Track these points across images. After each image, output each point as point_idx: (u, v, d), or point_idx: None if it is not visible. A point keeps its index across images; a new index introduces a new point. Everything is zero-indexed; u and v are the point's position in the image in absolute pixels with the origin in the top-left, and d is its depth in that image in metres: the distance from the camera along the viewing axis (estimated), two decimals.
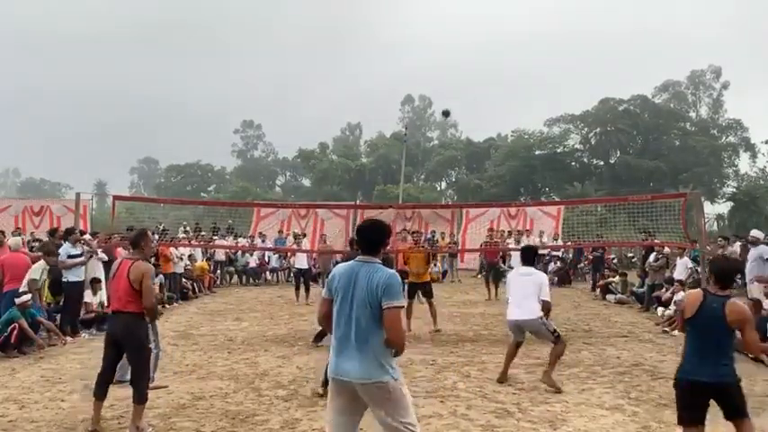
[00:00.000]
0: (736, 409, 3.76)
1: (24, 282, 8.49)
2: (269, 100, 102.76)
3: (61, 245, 9.84)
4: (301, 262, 14.07)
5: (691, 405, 3.79)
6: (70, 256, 9.43)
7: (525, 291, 6.32)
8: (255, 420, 5.27)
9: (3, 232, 9.89)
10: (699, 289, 4.07)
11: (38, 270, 8.72)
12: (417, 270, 9.90)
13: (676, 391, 3.89)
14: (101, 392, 5.02)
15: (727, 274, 3.89)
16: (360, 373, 3.20)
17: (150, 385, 6.05)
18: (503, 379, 6.53)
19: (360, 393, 3.25)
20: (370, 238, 3.39)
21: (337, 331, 3.31)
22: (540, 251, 18.15)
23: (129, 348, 4.95)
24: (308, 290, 13.62)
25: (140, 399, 4.85)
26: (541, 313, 6.27)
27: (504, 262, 15.18)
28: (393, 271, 3.34)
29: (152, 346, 6.24)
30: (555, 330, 6.36)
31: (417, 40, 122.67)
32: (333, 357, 3.34)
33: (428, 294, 9.98)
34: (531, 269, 6.57)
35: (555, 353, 6.33)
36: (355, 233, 3.60)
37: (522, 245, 7.27)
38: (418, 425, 3.38)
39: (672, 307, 10.36)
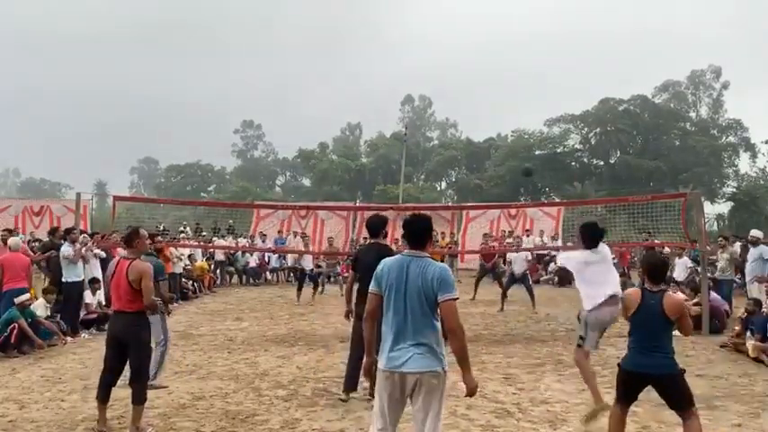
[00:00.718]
0: (678, 400, 4.07)
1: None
2: (269, 100, 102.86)
3: (62, 244, 9.85)
4: (307, 263, 13.90)
5: (627, 390, 4.22)
6: None
7: (612, 273, 5.40)
8: (255, 420, 5.27)
9: (10, 230, 9.87)
10: (637, 288, 4.39)
11: (41, 307, 8.71)
12: None
13: (617, 376, 4.26)
14: (104, 395, 5.02)
15: (656, 270, 4.23)
16: (418, 365, 3.26)
17: (151, 383, 6.11)
18: (602, 408, 5.01)
19: (414, 384, 3.28)
20: (418, 232, 3.45)
21: (392, 324, 3.35)
22: (540, 251, 18.20)
23: (131, 348, 4.93)
24: (315, 290, 13.47)
25: (139, 399, 4.85)
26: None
27: (504, 262, 15.16)
28: (445, 265, 3.45)
29: (161, 343, 6.31)
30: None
31: (417, 40, 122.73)
32: (387, 351, 3.35)
33: None
34: (600, 248, 5.45)
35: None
36: (402, 227, 3.58)
37: (585, 222, 5.85)
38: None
39: None
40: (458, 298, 3.31)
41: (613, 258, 15.47)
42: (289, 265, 19.33)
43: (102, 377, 5.06)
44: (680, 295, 4.32)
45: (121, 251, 11.12)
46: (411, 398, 3.35)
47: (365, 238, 19.20)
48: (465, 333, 3.32)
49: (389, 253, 5.09)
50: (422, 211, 3.85)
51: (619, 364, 4.27)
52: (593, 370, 5.48)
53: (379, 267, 3.47)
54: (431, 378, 3.27)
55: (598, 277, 5.31)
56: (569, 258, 5.75)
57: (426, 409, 3.29)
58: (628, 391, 4.23)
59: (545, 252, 19.43)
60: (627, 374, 4.17)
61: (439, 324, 3.33)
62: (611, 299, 5.12)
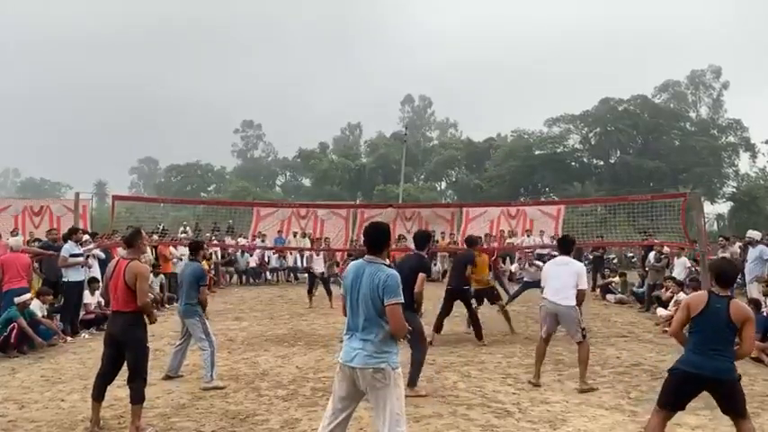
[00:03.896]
0: (733, 406, 3.99)
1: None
2: (269, 100, 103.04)
3: (58, 245, 9.84)
4: (318, 265, 13.60)
5: (680, 393, 4.07)
6: (72, 256, 9.43)
7: (563, 280, 6.32)
8: (255, 420, 5.27)
9: None
10: (704, 291, 4.25)
11: (36, 308, 8.70)
12: (481, 277, 9.59)
13: (669, 378, 4.11)
14: (98, 394, 5.03)
15: (728, 275, 4.14)
16: (361, 360, 3.56)
17: (208, 385, 6.20)
18: (538, 382, 6.39)
19: (360, 380, 3.59)
20: (375, 239, 3.77)
21: (349, 323, 3.73)
22: (540, 251, 18.20)
23: (128, 348, 4.95)
24: (329, 293, 12.74)
25: (137, 398, 4.86)
26: (575, 304, 6.26)
27: (503, 262, 15.16)
28: (394, 271, 3.67)
29: (206, 346, 6.39)
30: (584, 328, 6.33)
31: (418, 41, 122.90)
32: (344, 345, 3.72)
33: (496, 298, 9.79)
34: (568, 258, 6.57)
35: (582, 359, 6.25)
36: (362, 234, 3.97)
37: (560, 236, 7.79)
38: (404, 417, 3.64)
39: (671, 307, 10.35)
40: (402, 302, 3.56)
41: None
42: (289, 265, 19.35)
43: (98, 376, 5.08)
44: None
45: (121, 251, 11.14)
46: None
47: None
48: (405, 331, 3.61)
49: (422, 263, 6.37)
50: (378, 220, 4.45)
51: (671, 370, 4.12)
52: (543, 353, 6.56)
53: (345, 272, 3.90)
54: (374, 374, 3.54)
55: (552, 281, 6.41)
56: (543, 271, 6.84)
57: (377, 404, 3.58)
58: (679, 396, 4.06)
59: (545, 252, 19.44)
60: (683, 375, 3.99)
61: (387, 325, 3.58)
62: (549, 303, 6.36)
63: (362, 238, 3.92)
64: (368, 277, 3.62)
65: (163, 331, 9.73)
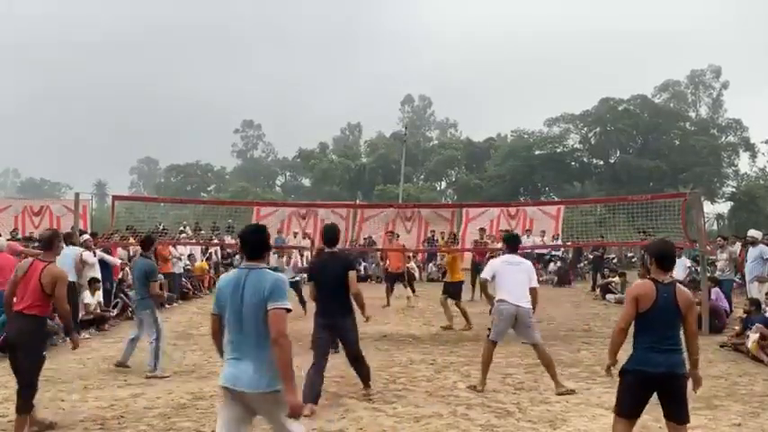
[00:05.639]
0: (684, 406, 3.69)
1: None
2: (269, 100, 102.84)
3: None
4: None
5: (637, 397, 3.73)
6: None
7: (517, 280, 6.16)
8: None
9: None
10: (646, 280, 3.84)
11: None
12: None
13: (625, 382, 3.77)
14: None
15: (670, 258, 3.85)
16: (254, 383, 3.10)
17: (151, 374, 6.52)
18: (483, 389, 6.12)
19: (252, 403, 3.17)
20: (254, 244, 3.30)
21: (229, 341, 3.23)
22: (541, 251, 18.24)
23: (23, 352, 4.57)
24: None
25: (24, 408, 4.52)
26: (531, 306, 6.16)
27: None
28: (280, 275, 3.29)
29: (153, 338, 6.70)
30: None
31: (419, 41, 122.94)
32: (226, 366, 3.22)
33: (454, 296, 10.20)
34: (519, 257, 6.47)
35: (548, 361, 6.13)
36: (239, 239, 3.47)
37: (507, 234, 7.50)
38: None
39: None
40: (289, 309, 3.15)
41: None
42: None
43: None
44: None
45: (121, 252, 11.04)
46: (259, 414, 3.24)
47: (365, 237, 19.26)
48: (291, 345, 3.11)
49: (348, 261, 5.92)
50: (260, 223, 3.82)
51: (624, 370, 3.78)
52: (491, 360, 6.26)
53: (217, 285, 3.39)
54: (268, 396, 3.12)
55: (506, 280, 6.17)
56: (491, 266, 6.51)
57: (272, 423, 3.23)
58: (638, 400, 3.71)
59: (545, 252, 19.45)
60: (641, 376, 3.67)
61: None
62: (510, 306, 6.06)
63: (239, 243, 3.43)
64: (252, 286, 3.14)
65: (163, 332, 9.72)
